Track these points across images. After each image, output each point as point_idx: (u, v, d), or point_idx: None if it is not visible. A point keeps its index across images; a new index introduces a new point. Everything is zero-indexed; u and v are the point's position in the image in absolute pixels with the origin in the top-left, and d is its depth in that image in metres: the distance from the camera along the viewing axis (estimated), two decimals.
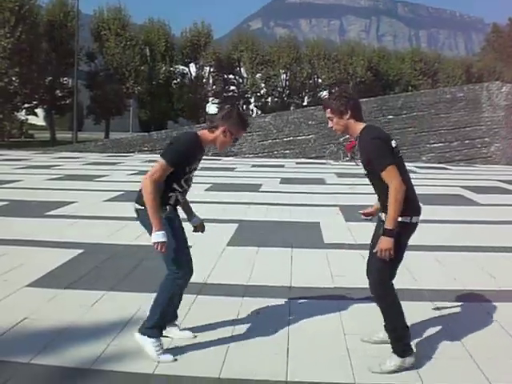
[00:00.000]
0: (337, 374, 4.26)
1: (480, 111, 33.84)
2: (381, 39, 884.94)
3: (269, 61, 63.47)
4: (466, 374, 4.29)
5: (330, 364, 4.45)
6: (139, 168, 22.01)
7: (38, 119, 65.25)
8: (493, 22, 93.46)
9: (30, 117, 56.16)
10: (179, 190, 4.57)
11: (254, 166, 26.21)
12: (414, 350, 4.46)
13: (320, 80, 65.51)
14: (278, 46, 65.25)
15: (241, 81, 65.18)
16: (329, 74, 63.44)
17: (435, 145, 33.08)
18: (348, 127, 4.49)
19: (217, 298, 5.92)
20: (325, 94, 65.08)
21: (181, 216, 4.74)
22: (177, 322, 4.96)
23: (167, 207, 4.52)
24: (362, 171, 4.53)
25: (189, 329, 4.94)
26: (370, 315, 5.41)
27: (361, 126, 4.45)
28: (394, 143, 4.43)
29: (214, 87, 63.96)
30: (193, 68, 64.33)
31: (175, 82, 63.17)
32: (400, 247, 4.38)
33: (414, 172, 24.24)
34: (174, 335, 4.85)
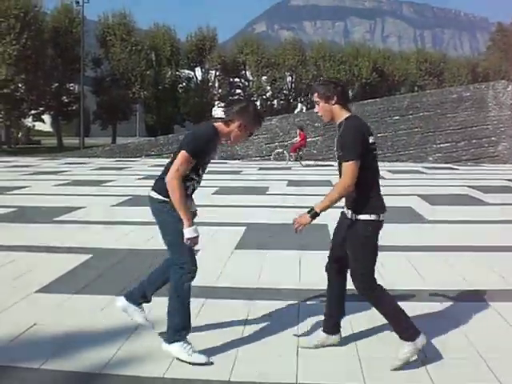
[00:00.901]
0: (347, 376, 4.26)
1: (486, 110, 33.78)
2: (385, 40, 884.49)
3: (274, 63, 63.59)
4: (476, 374, 4.27)
5: (339, 366, 4.44)
6: (146, 172, 22.03)
7: (45, 125, 65.58)
8: (497, 21, 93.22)
9: (36, 123, 56.46)
10: (196, 180, 4.64)
11: (260, 168, 26.21)
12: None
13: None
14: (283, 49, 65.42)
15: (246, 84, 65.24)
16: (334, 75, 63.41)
17: (442, 145, 33.01)
18: (333, 113, 4.53)
19: (226, 301, 5.92)
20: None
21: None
22: (145, 307, 4.96)
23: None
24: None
25: (198, 330, 4.91)
26: (379, 316, 5.41)
27: (346, 114, 4.50)
28: (371, 139, 4.46)
29: (220, 91, 64.11)
30: (198, 72, 64.52)
31: (181, 86, 63.36)
32: (374, 247, 4.49)
33: (422, 173, 24.20)
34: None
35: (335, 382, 4.17)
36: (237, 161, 31.14)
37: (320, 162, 29.19)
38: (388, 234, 9.37)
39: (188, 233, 4.38)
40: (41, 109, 51.48)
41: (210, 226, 9.75)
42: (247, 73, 65.16)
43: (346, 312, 5.25)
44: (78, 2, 50.56)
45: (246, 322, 5.33)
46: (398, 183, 17.95)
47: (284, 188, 17.63)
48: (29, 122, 54.35)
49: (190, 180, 4.57)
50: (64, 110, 53.03)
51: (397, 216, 11.63)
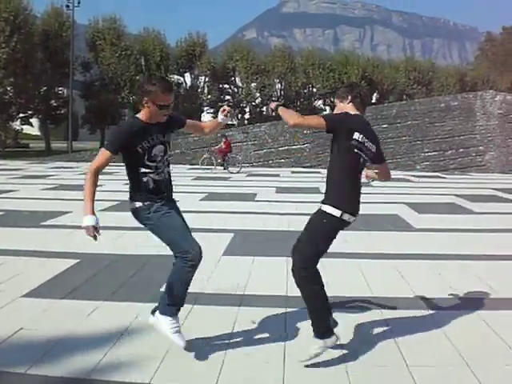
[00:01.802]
0: (333, 383, 4.27)
1: (474, 120, 34.01)
2: (375, 48, 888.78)
3: (264, 70, 63.61)
4: (461, 382, 4.30)
5: (326, 373, 4.46)
6: None
7: (33, 129, 65.26)
8: (486, 30, 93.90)
9: (24, 126, 56.16)
10: (151, 172, 4.59)
11: (249, 175, 26.23)
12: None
13: (315, 89, 65.68)
14: (273, 56, 65.46)
15: (236, 90, 65.28)
16: (323, 83, 63.66)
17: (430, 153, 33.21)
18: (345, 110, 4.72)
19: (213, 308, 5.93)
20: (320, 103, 65.43)
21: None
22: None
23: (149, 203, 4.58)
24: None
25: (184, 336, 4.91)
26: (366, 324, 5.45)
27: (353, 112, 4.69)
28: (356, 135, 4.54)
29: (209, 97, 64.04)
30: (188, 77, 64.41)
31: None
32: (324, 235, 4.59)
33: (409, 181, 24.31)
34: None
35: None
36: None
37: (245, 168, 29.03)
38: (375, 242, 9.45)
39: (85, 221, 4.49)
40: (29, 112, 51.30)
41: (198, 232, 9.73)
42: (237, 79, 65.11)
43: (338, 319, 5.28)
44: (68, 6, 50.57)
45: (232, 329, 5.34)
46: (385, 191, 18.02)
47: (272, 195, 17.66)
48: (17, 125, 54.06)
49: (145, 175, 4.57)
50: (52, 114, 52.85)
51: (384, 224, 11.69)
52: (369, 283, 6.91)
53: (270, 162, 32.92)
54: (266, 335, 5.19)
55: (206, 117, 65.65)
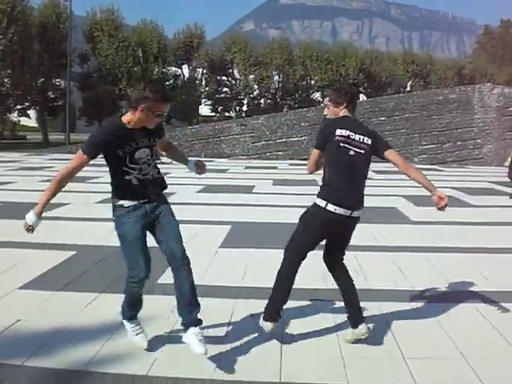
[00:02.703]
0: (330, 375, 4.28)
1: (472, 113, 33.96)
2: (373, 41, 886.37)
3: (261, 62, 63.43)
4: (457, 374, 4.31)
5: (323, 365, 4.46)
6: None
7: (31, 121, 65.10)
8: (485, 23, 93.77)
9: (22, 118, 56.05)
10: (134, 172, 4.43)
11: (246, 167, 26.22)
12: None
13: (313, 81, 65.54)
14: (271, 48, 65.24)
15: (233, 82, 65.14)
16: (321, 75, 63.47)
17: (427, 146, 33.18)
18: (338, 116, 4.89)
19: (210, 300, 5.92)
20: (317, 95, 65.31)
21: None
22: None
23: (126, 202, 4.44)
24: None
25: (181, 328, 4.90)
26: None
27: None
28: (339, 131, 4.71)
29: (207, 89, 63.90)
30: (186, 69, 64.23)
31: (168, 83, 62.99)
32: (309, 228, 4.76)
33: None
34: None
35: (318, 382, 4.18)
36: (223, 159, 31.11)
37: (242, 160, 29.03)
38: (373, 235, 9.45)
39: (28, 216, 4.52)
40: (26, 104, 51.15)
41: (195, 224, 9.75)
42: (235, 71, 64.95)
43: (331, 310, 5.29)
44: None
45: (230, 320, 5.35)
46: (383, 184, 18.02)
47: (270, 187, 17.65)
48: (14, 117, 53.94)
49: (128, 173, 4.41)
50: (50, 106, 52.68)
51: (382, 217, 11.71)
52: (366, 275, 6.92)
53: (268, 154, 32.88)
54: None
55: (204, 109, 65.57)
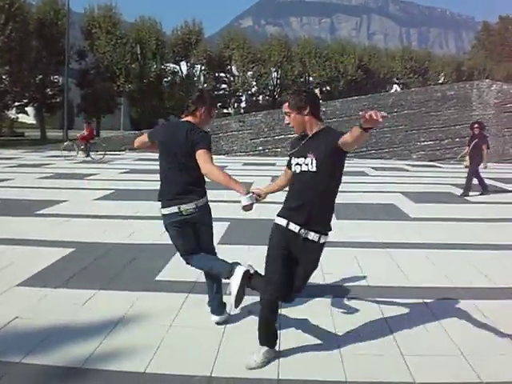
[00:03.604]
0: (328, 372, 4.27)
1: (470, 109, 33.94)
2: (371, 37, 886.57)
3: (260, 59, 63.43)
4: (456, 371, 4.31)
5: (321, 362, 4.46)
6: (130, 166, 21.97)
7: (29, 118, 65.09)
8: (483, 20, 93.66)
9: (20, 115, 55.99)
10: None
11: (245, 164, 26.20)
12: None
13: (311, 78, 65.53)
14: (269, 44, 65.21)
15: (232, 79, 65.10)
16: (320, 72, 63.48)
17: (426, 143, 33.17)
18: (305, 123, 4.36)
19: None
20: (316, 91, 65.23)
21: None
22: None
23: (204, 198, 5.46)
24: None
25: (180, 324, 4.92)
26: (361, 313, 5.45)
27: (320, 125, 4.38)
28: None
29: (205, 85, 63.85)
30: (184, 66, 64.18)
31: (166, 80, 63.03)
32: (270, 250, 4.66)
33: (406, 170, 24.31)
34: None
35: (316, 378, 4.18)
36: (222, 156, 31.10)
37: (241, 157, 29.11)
38: (371, 231, 9.45)
39: (244, 200, 5.00)
40: (24, 101, 51.10)
41: None
42: (233, 68, 64.91)
43: (329, 309, 5.27)
44: None
45: (228, 317, 5.34)
46: (381, 180, 18.02)
47: (268, 183, 17.62)
48: (12, 114, 53.91)
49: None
50: (48, 103, 52.64)
51: (380, 213, 11.71)
52: (364, 272, 6.91)
53: (267, 150, 32.88)
54: None
55: None
